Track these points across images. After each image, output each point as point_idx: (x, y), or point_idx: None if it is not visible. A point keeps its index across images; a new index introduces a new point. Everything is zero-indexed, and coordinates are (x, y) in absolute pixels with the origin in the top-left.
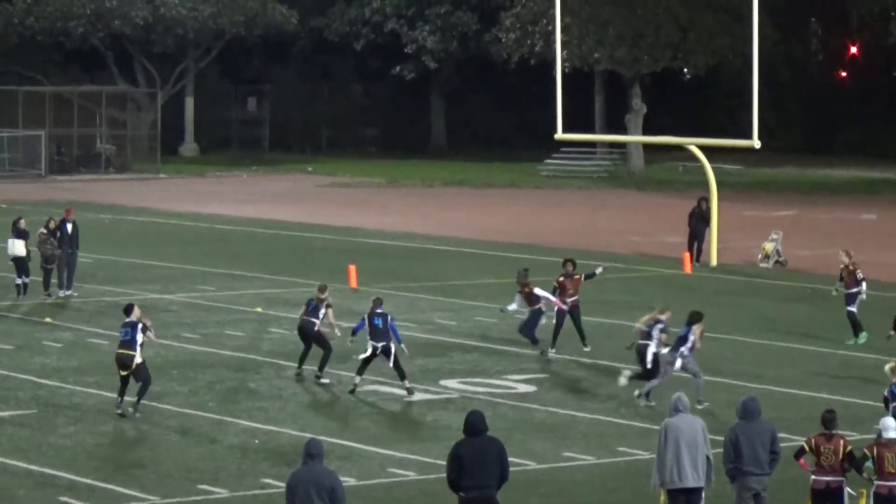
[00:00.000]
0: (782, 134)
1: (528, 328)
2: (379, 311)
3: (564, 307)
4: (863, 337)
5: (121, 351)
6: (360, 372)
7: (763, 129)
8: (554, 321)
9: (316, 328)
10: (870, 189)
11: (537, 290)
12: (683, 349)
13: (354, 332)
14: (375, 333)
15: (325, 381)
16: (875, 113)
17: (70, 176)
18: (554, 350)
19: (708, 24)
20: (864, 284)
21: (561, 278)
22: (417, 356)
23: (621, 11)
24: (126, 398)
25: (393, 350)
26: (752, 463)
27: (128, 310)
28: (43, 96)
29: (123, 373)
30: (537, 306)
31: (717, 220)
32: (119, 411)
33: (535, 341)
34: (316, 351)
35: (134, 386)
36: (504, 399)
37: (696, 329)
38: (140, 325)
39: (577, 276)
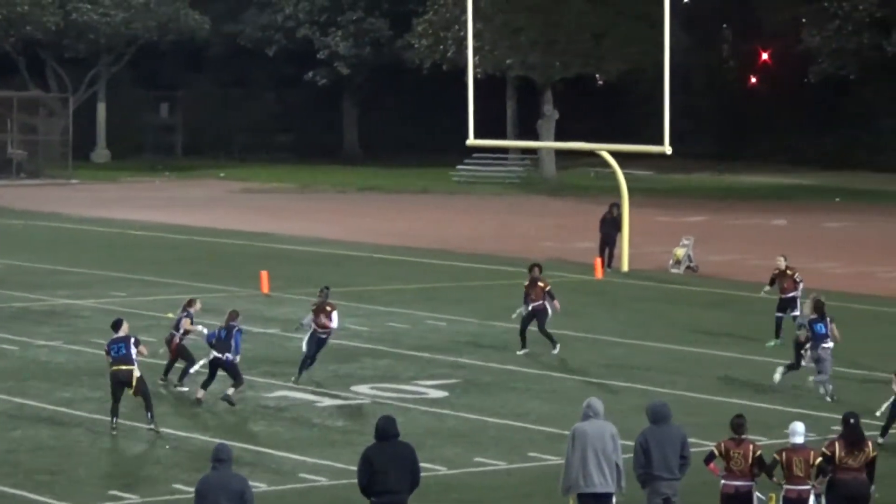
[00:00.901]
0: (695, 140)
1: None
2: (232, 323)
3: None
4: (775, 342)
5: (119, 367)
6: (204, 386)
7: (675, 136)
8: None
9: (175, 340)
10: (781, 195)
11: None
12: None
13: (208, 341)
14: (219, 344)
15: (182, 388)
16: (787, 119)
17: None
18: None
19: (621, 30)
20: (800, 287)
21: (527, 283)
22: (329, 361)
23: (534, 18)
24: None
25: (231, 360)
26: (663, 468)
27: (116, 325)
28: None
29: (121, 390)
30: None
31: (629, 225)
32: (114, 432)
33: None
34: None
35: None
36: (416, 404)
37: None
38: (133, 340)
39: (543, 284)
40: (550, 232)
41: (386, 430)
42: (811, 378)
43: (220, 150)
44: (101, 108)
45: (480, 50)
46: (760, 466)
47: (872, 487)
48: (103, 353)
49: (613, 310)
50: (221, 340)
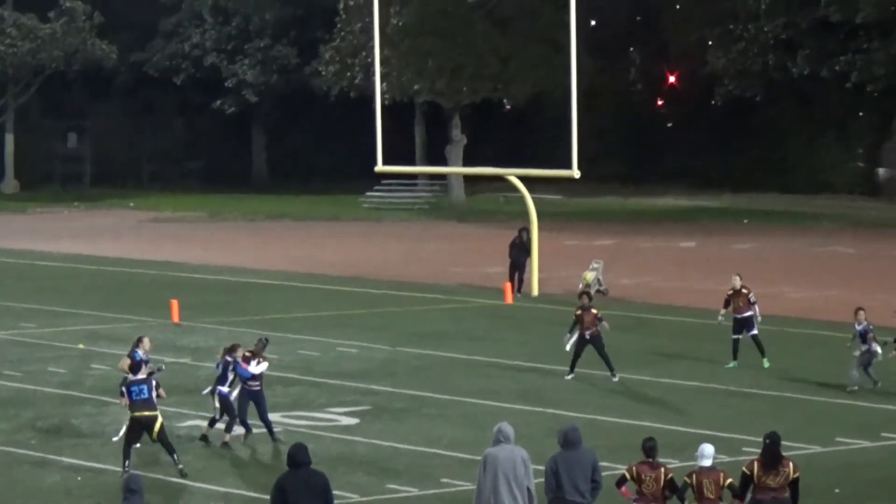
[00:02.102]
0: (604, 163)
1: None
2: (228, 358)
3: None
4: (733, 364)
5: (142, 412)
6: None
7: (584, 159)
8: (574, 349)
9: None
10: (690, 217)
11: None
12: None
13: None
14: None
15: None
16: (695, 141)
17: None
18: (572, 375)
19: (527, 55)
20: (756, 307)
21: (579, 311)
22: None
23: (441, 43)
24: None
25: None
26: (574, 492)
27: (137, 367)
28: None
29: (140, 435)
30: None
31: (538, 249)
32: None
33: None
34: None
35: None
36: (327, 432)
37: None
38: (154, 382)
39: (594, 310)
40: (460, 257)
41: (297, 457)
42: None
43: (129, 179)
44: (10, 139)
45: (388, 76)
46: (672, 489)
47: None
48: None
49: (524, 334)
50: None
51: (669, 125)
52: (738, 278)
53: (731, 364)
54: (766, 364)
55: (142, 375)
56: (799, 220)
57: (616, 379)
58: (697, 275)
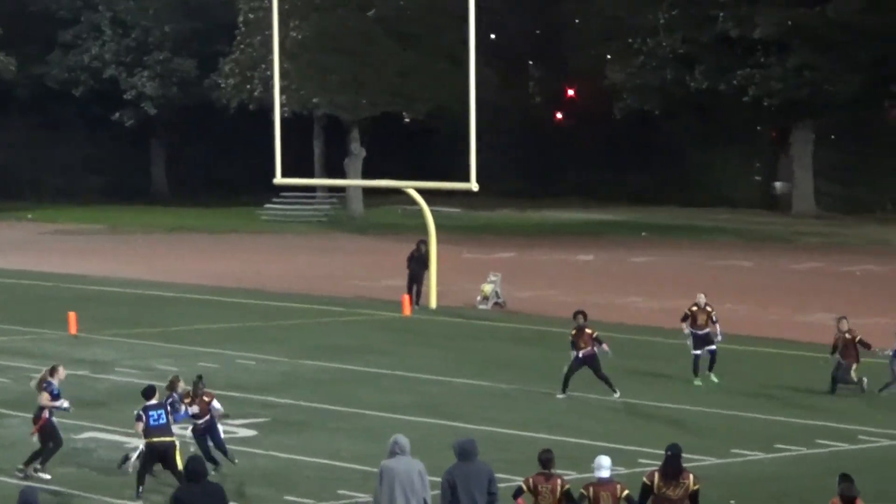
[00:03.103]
0: (504, 177)
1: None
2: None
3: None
4: (698, 383)
5: (161, 439)
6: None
7: (484, 173)
8: (567, 367)
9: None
10: (588, 230)
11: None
12: None
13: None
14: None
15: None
16: (594, 155)
17: None
18: (564, 395)
19: (427, 69)
20: (717, 326)
21: (574, 331)
22: (138, 402)
23: (341, 57)
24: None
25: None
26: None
27: (149, 393)
28: None
29: (156, 461)
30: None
31: (437, 262)
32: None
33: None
34: None
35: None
36: (226, 444)
37: None
38: (168, 408)
39: (590, 331)
40: (358, 270)
41: (196, 470)
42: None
43: (30, 192)
44: None
45: (287, 89)
46: (569, 501)
47: None
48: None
49: (422, 347)
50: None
51: (569, 139)
52: (702, 296)
53: (697, 382)
54: (716, 380)
55: (154, 401)
56: (697, 234)
57: (617, 395)
58: (595, 288)
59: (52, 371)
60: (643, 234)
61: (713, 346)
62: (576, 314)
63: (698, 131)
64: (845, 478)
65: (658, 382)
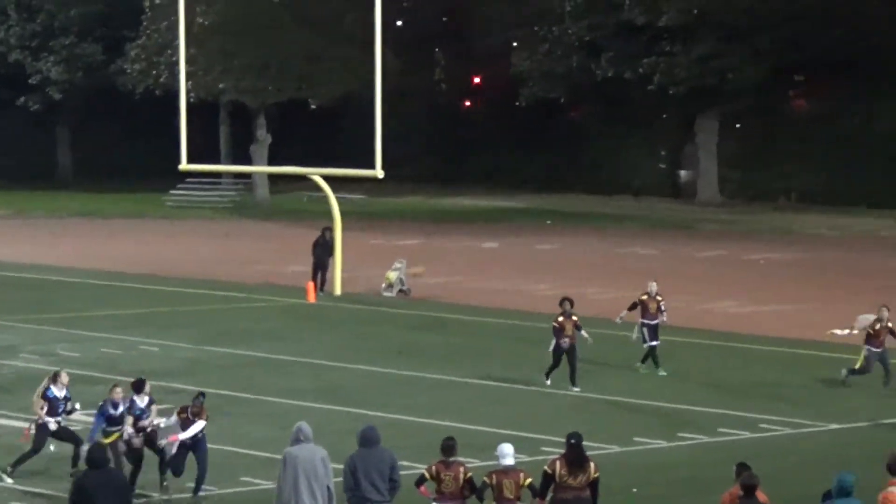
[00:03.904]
0: (410, 163)
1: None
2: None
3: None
4: (663, 373)
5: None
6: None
7: (390, 159)
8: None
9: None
10: (494, 217)
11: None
12: None
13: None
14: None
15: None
16: (500, 142)
17: None
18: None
19: (333, 55)
20: (665, 315)
21: (560, 319)
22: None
23: (247, 42)
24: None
25: None
26: (372, 490)
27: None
28: None
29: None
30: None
31: (342, 249)
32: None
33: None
34: None
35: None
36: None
37: None
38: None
39: (575, 318)
40: (263, 256)
41: (97, 457)
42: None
43: None
44: None
45: (194, 75)
46: (471, 489)
47: None
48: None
49: (326, 333)
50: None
51: (475, 126)
52: (654, 284)
53: (662, 372)
54: (644, 371)
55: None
56: (602, 221)
57: (577, 389)
58: (500, 275)
59: (55, 378)
60: (548, 221)
61: (657, 341)
62: (562, 301)
63: (604, 119)
64: (744, 466)
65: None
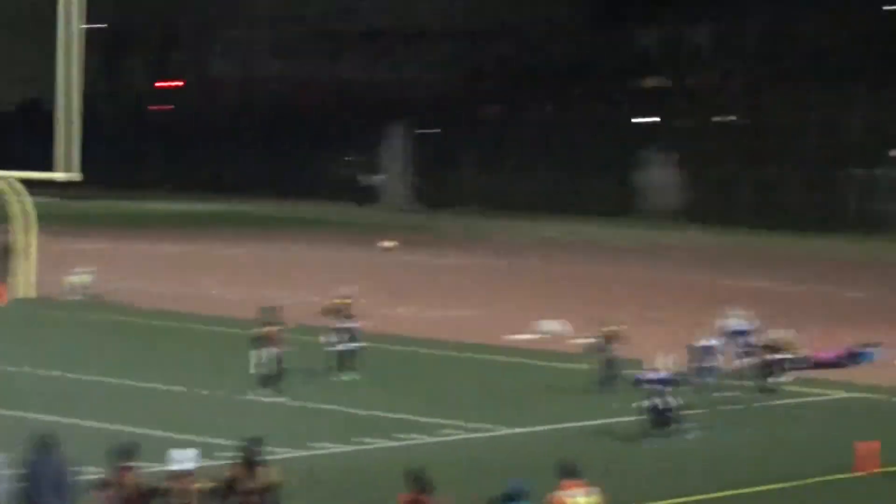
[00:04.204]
0: (102, 167)
1: None
2: None
3: None
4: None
5: None
6: None
7: (82, 162)
8: None
9: None
10: (185, 221)
11: None
12: None
13: None
14: None
15: None
16: (192, 146)
17: None
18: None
19: (28, 57)
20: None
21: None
22: None
23: None
24: None
25: None
26: (48, 495)
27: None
28: None
29: None
30: None
31: (28, 253)
32: None
33: None
34: None
35: None
36: None
37: None
38: None
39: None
40: None
41: None
42: None
43: None
44: None
45: None
46: (149, 493)
47: None
48: None
49: (3, 337)
50: None
51: (167, 130)
52: (350, 289)
53: (345, 377)
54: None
55: None
56: (289, 226)
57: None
58: (186, 278)
59: None
60: (240, 227)
61: (356, 344)
62: (265, 309)
63: (293, 124)
64: (421, 470)
65: (244, 373)
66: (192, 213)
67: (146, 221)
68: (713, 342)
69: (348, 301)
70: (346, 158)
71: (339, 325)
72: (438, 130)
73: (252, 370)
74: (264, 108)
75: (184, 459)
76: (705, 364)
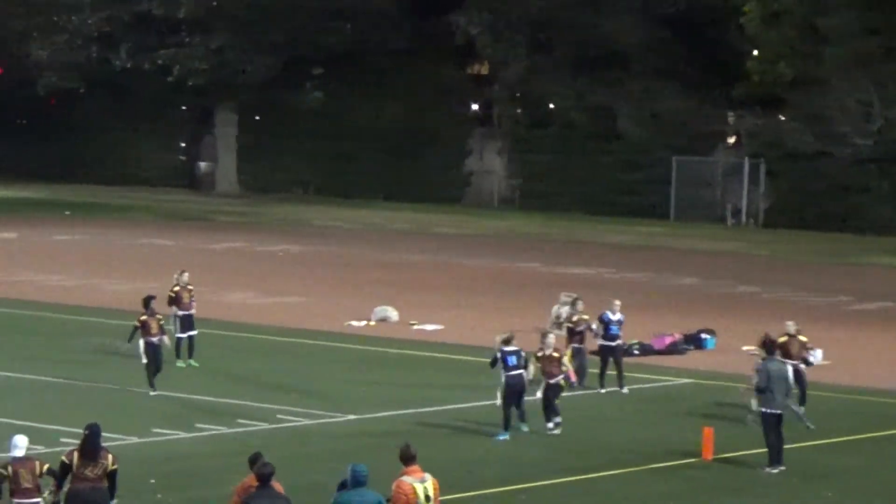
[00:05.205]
0: None
1: None
2: None
3: None
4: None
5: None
6: None
7: None
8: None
9: None
10: (10, 208)
11: None
12: None
13: None
14: None
15: None
16: (17, 131)
17: None
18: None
19: None
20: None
21: (144, 317)
22: None
23: None
24: None
25: None
26: None
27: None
28: None
29: None
30: None
31: None
32: None
33: None
34: None
35: None
36: None
37: None
38: None
39: (159, 316)
40: None
41: None
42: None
43: None
44: None
45: None
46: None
47: (114, 501)
48: None
49: None
50: None
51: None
52: (187, 274)
53: (179, 363)
54: (196, 364)
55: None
56: (119, 213)
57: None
58: (18, 266)
59: None
60: (66, 212)
61: (195, 331)
62: (146, 300)
63: (120, 110)
64: (258, 456)
65: (98, 361)
66: (14, 199)
67: None
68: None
69: (190, 288)
70: (180, 145)
71: (180, 312)
72: (267, 115)
73: (144, 360)
74: (87, 94)
75: (18, 445)
76: None
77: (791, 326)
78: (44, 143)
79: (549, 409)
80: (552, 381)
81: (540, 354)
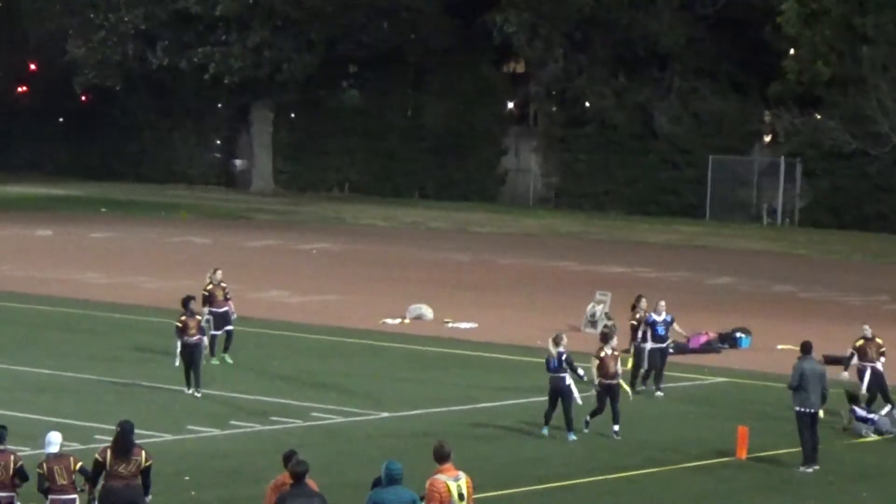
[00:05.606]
0: None
1: None
2: None
3: None
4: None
5: None
6: None
7: None
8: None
9: None
10: (46, 205)
11: None
12: None
13: None
14: None
15: None
16: (54, 129)
17: None
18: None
19: None
20: (231, 304)
21: (183, 318)
22: None
23: None
24: None
25: None
26: None
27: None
28: None
29: None
30: None
31: None
32: None
33: None
34: None
35: None
36: None
37: None
38: None
39: (199, 318)
40: None
41: None
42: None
43: None
44: None
45: None
46: (22, 477)
47: (149, 497)
48: None
49: None
50: None
51: (29, 113)
52: (220, 272)
53: (214, 361)
54: (230, 360)
55: None
56: (152, 210)
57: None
58: (54, 264)
59: None
60: (103, 209)
61: (231, 326)
62: (186, 300)
63: (158, 108)
64: (293, 453)
65: (133, 359)
66: (52, 196)
67: (6, 205)
68: None
69: (224, 286)
70: (216, 143)
71: (213, 309)
72: (304, 114)
73: (177, 363)
74: (124, 92)
75: (51, 442)
76: None
77: (867, 330)
78: (80, 141)
79: (612, 411)
80: (611, 382)
81: (603, 355)
